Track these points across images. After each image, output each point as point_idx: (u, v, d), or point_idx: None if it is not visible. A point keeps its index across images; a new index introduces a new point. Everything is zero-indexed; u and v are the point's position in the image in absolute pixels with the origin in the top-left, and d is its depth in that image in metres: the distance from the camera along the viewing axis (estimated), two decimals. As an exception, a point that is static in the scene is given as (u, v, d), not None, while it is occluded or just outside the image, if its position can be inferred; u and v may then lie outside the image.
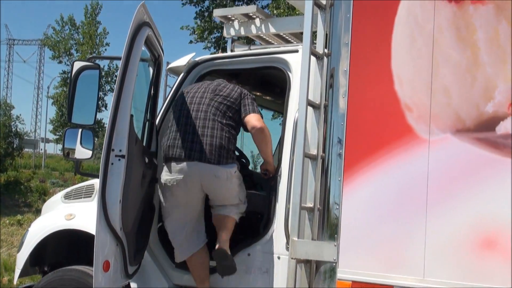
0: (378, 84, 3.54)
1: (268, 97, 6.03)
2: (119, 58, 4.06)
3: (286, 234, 3.87)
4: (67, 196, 5.23)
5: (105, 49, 31.70)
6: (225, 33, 4.78)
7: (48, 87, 44.59)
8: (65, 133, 4.17)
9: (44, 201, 10.01)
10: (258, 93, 5.61)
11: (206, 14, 17.07)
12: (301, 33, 4.29)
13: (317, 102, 3.91)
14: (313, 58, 3.86)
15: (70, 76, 4.02)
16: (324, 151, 3.72)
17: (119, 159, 3.49)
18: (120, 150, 3.49)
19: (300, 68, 4.14)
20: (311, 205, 3.79)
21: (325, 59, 3.86)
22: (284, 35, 5.07)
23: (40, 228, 4.93)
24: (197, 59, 4.65)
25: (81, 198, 5.05)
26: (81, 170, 4.80)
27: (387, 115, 3.48)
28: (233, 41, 4.79)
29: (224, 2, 16.27)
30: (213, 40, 17.68)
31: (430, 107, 3.36)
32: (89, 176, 5.85)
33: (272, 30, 4.73)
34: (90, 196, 4.94)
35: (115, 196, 3.45)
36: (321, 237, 3.62)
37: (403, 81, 3.45)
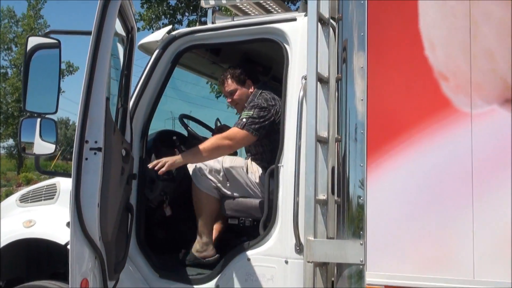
0: (403, 49, 2.97)
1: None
2: (83, 33, 3.37)
3: (296, 233, 3.25)
4: (24, 199, 4.46)
5: (48, 43, 30.02)
6: (203, 3, 4.12)
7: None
8: (21, 124, 3.42)
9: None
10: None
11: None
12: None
13: (326, 76, 3.32)
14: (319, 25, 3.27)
15: (24, 55, 3.30)
16: (339, 132, 3.14)
17: (95, 153, 2.81)
18: (96, 142, 2.81)
19: (299, 39, 3.58)
20: (324, 197, 3.22)
21: (335, 24, 3.27)
22: (266, 4, 4.45)
23: (-10, 239, 4.16)
24: (174, 33, 3.96)
25: (40, 200, 4.30)
26: (42, 168, 4.04)
27: (418, 86, 2.92)
28: (213, 12, 4.14)
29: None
30: (161, 27, 16.89)
31: (470, 75, 2.81)
32: (52, 174, 5.06)
33: None
34: (52, 198, 4.20)
35: (92, 199, 2.77)
36: (341, 235, 3.05)
37: (435, 45, 2.90)
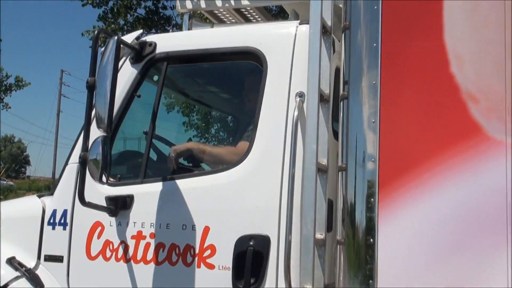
0: (425, 64, 2.52)
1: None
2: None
3: (287, 278, 2.72)
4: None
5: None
6: (178, 7, 3.61)
7: None
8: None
9: None
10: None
11: (110, 16, 15.57)
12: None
13: (327, 93, 2.85)
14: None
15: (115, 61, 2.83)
16: (344, 160, 2.65)
17: None
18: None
19: (280, 49, 3.07)
20: (322, 236, 2.72)
21: (341, 34, 2.81)
22: (246, 13, 3.97)
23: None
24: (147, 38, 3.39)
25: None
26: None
27: (441, 108, 2.47)
28: (190, 17, 3.63)
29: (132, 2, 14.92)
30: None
31: (505, 96, 2.38)
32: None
33: (246, 2, 3.59)
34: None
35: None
36: (346, 283, 2.54)
37: (463, 60, 2.46)
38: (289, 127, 2.87)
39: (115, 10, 14.47)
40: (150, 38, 3.39)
